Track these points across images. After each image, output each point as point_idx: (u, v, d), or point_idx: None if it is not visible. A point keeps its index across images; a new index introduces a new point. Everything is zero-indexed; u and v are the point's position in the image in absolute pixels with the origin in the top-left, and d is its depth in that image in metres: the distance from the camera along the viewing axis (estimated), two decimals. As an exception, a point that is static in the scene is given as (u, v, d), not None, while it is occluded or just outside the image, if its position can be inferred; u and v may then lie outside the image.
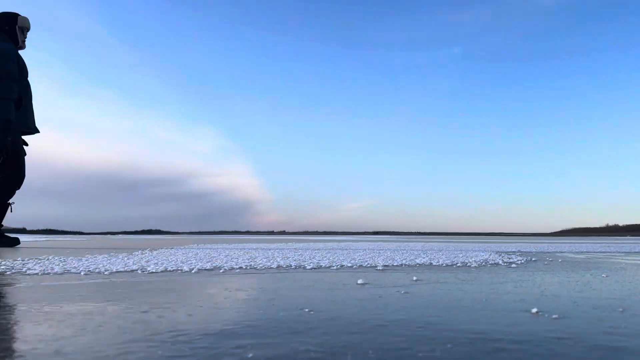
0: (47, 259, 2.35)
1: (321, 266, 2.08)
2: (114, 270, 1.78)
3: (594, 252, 4.28)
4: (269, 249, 3.71)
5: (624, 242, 9.42)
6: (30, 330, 0.73)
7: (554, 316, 0.89)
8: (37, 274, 1.64)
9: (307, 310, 0.94)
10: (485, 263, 2.42)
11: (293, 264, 2.19)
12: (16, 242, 4.57)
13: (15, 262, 2.15)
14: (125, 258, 2.48)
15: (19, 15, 4.47)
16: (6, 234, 4.51)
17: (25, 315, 0.86)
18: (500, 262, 2.52)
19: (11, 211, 4.42)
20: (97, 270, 1.77)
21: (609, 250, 4.62)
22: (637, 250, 4.74)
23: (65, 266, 1.90)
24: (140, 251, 3.34)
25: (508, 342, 0.68)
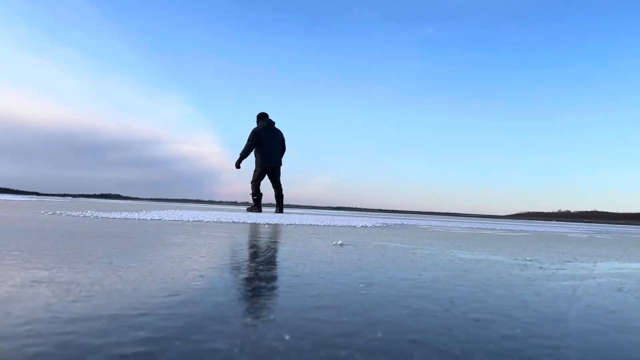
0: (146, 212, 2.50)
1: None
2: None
3: (476, 228, 5.12)
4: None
5: (532, 224, 10.26)
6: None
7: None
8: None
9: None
10: (355, 226, 3.78)
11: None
12: None
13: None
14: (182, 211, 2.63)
15: None
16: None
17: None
18: (367, 225, 4.12)
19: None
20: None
21: (488, 227, 5.64)
22: (509, 228, 5.65)
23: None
24: (147, 210, 3.31)
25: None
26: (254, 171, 7.69)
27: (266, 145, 7.50)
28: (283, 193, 7.68)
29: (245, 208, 8.44)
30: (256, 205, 7.67)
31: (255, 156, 7.62)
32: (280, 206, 7.73)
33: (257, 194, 7.62)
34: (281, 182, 7.69)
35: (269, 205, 7.91)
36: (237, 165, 7.67)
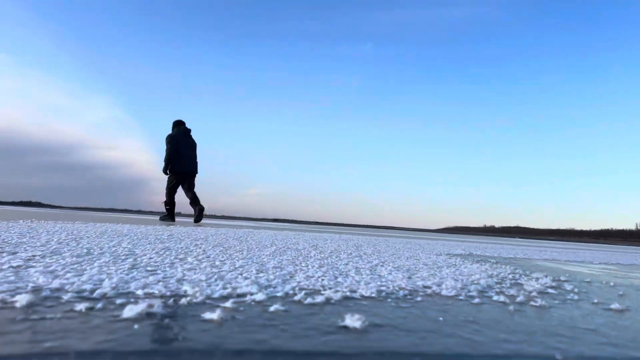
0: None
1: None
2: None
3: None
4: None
5: (428, 238, 9.96)
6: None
7: None
8: None
9: None
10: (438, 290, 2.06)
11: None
12: None
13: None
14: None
15: None
16: None
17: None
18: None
19: None
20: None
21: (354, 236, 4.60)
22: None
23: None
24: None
25: None
26: (168, 178, 7.57)
27: (182, 151, 7.49)
28: (201, 202, 7.44)
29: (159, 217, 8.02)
30: (169, 214, 7.63)
31: (169, 163, 7.48)
32: (199, 211, 7.36)
33: (170, 203, 7.59)
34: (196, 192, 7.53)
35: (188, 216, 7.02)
36: (165, 172, 7.58)
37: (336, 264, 1.94)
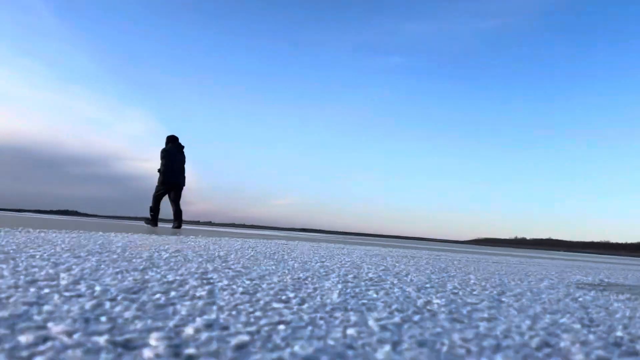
0: None
1: None
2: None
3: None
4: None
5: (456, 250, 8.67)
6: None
7: None
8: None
9: None
10: None
11: None
12: None
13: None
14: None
15: None
16: None
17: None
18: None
19: None
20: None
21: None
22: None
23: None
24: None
25: None
26: (157, 187, 8.12)
27: (173, 165, 8.07)
28: (182, 209, 8.14)
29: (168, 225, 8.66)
30: (153, 220, 8.20)
31: (161, 174, 8.03)
32: (178, 221, 8.07)
33: (155, 210, 8.15)
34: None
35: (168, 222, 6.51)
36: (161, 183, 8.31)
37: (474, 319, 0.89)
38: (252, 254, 2.47)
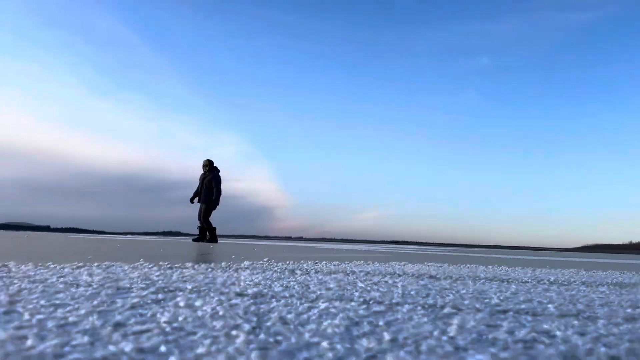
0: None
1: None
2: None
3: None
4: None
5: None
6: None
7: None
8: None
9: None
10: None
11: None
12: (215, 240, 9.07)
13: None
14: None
15: None
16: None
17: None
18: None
19: None
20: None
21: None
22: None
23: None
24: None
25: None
26: (210, 209, 9.27)
27: (200, 188, 9.37)
28: (208, 227, 9.34)
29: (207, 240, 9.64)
30: (212, 236, 9.26)
31: (215, 196, 9.25)
32: (201, 234, 9.32)
33: (210, 227, 9.26)
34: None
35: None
36: (217, 202, 9.41)
37: None
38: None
